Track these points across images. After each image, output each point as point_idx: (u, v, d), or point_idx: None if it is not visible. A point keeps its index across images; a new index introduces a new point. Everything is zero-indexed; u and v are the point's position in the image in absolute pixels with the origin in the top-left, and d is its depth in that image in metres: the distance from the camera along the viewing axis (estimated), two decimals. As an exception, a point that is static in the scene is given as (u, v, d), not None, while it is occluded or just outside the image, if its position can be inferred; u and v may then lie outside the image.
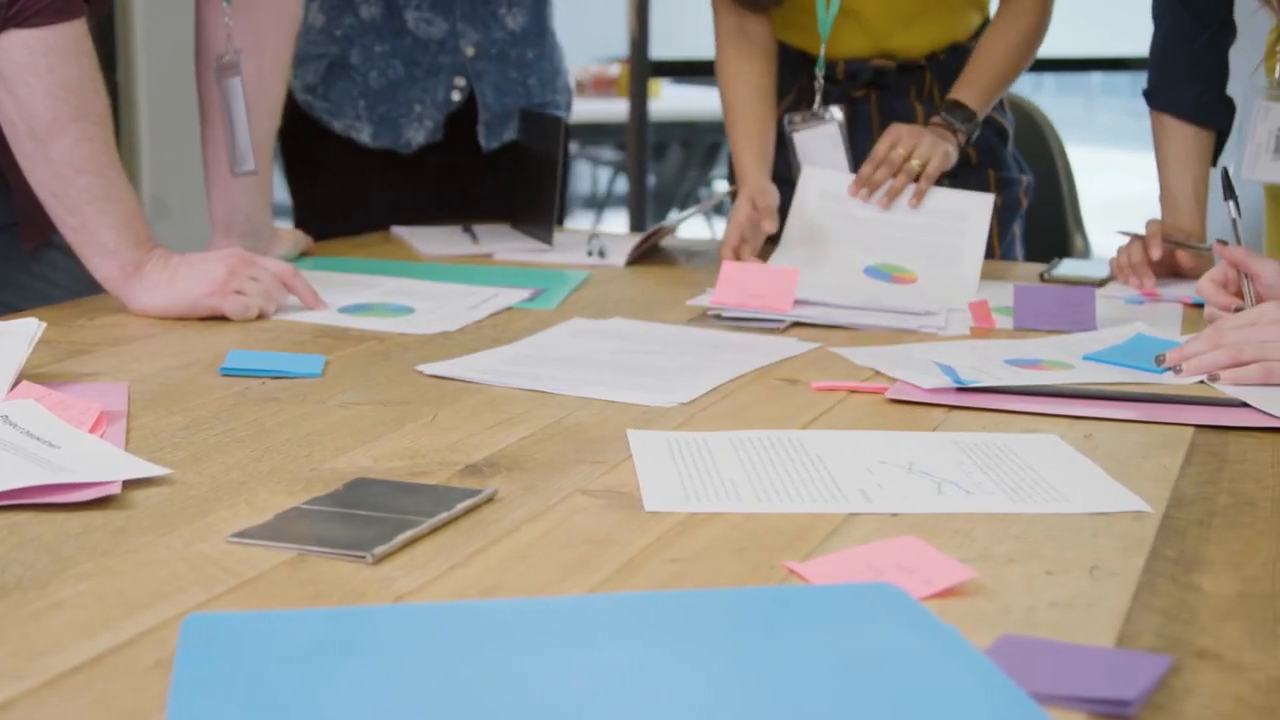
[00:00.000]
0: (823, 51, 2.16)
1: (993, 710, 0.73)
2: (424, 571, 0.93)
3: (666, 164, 7.02)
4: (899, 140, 2.05)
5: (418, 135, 2.33)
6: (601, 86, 6.95)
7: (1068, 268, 2.09)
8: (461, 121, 2.36)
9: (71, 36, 1.56)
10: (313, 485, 1.09)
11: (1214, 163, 2.07)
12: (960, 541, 1.00)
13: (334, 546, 0.95)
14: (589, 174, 8.40)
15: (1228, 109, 2.03)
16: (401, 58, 2.31)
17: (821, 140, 2.15)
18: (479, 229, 2.28)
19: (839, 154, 2.14)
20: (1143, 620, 0.86)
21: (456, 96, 2.33)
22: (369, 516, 1.01)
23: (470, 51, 2.32)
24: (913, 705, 0.74)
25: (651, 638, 0.80)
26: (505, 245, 2.18)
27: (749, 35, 2.17)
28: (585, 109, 6.91)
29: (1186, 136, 2.02)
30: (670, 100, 6.74)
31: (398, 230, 2.27)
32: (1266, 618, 0.87)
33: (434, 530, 1.00)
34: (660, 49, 4.82)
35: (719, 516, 1.04)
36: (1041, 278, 2.04)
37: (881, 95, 2.25)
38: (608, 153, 7.65)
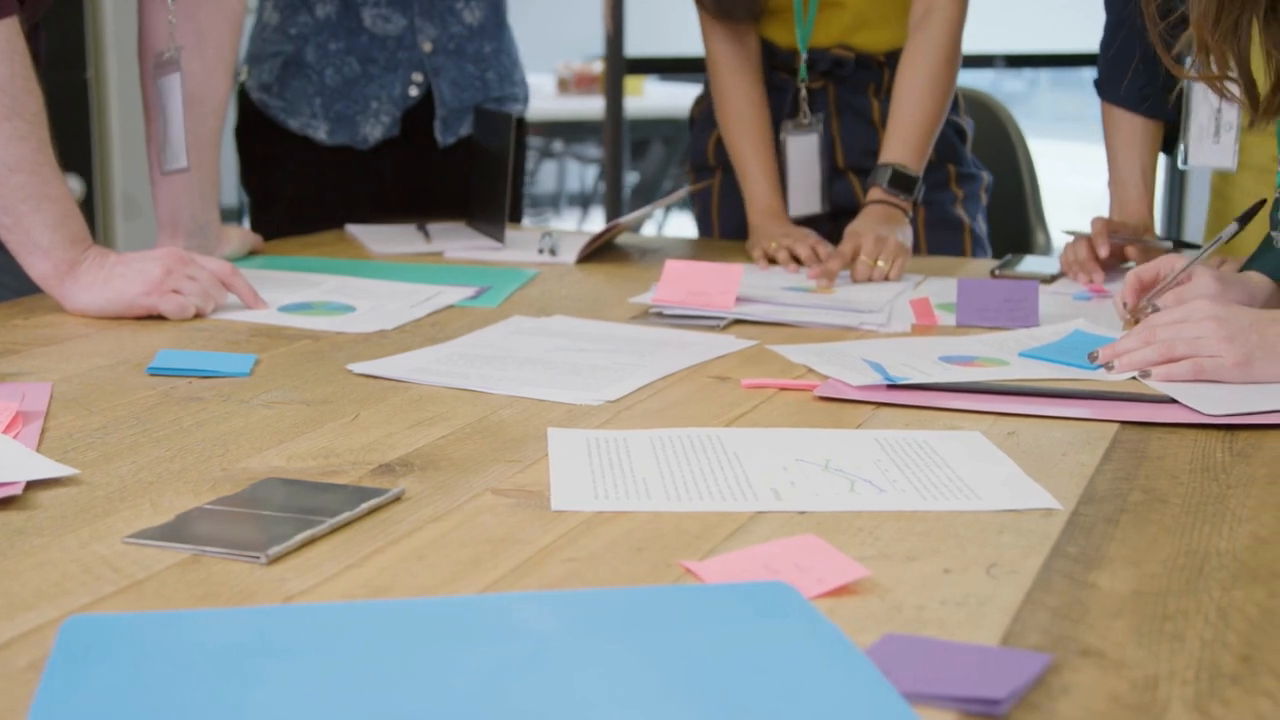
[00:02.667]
0: (803, 60, 2.18)
1: (862, 709, 0.73)
2: (318, 572, 0.92)
3: (649, 161, 7.02)
4: (863, 249, 1.98)
5: (375, 131, 2.33)
6: (584, 84, 6.95)
7: (1019, 264, 2.09)
8: (418, 117, 2.35)
9: (3, 35, 1.55)
10: (220, 485, 1.09)
11: (1168, 152, 2.07)
12: (863, 539, 0.99)
13: (229, 547, 0.95)
14: (577, 172, 8.41)
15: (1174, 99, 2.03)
16: (357, 55, 2.30)
17: (805, 148, 2.18)
18: (434, 227, 2.28)
19: (815, 166, 2.17)
20: (1032, 618, 0.86)
21: (414, 92, 2.33)
22: (270, 517, 1.01)
23: (428, 47, 2.32)
24: (783, 703, 0.73)
25: (528, 638, 0.80)
26: (457, 243, 2.17)
27: (743, 43, 2.19)
28: (568, 106, 6.94)
29: (1135, 126, 2.02)
30: (655, 97, 6.74)
31: (352, 229, 2.27)
32: (1155, 615, 0.86)
33: (334, 530, 0.99)
34: (640, 46, 4.81)
35: (625, 515, 1.04)
36: (992, 274, 2.03)
37: (839, 88, 2.25)
38: (592, 150, 7.65)
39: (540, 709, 0.72)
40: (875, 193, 2.10)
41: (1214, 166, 1.92)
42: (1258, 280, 1.61)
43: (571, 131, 7.29)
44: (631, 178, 7.05)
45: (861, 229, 2.03)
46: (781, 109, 2.23)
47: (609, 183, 4.73)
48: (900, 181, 2.09)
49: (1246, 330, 1.40)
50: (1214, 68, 1.44)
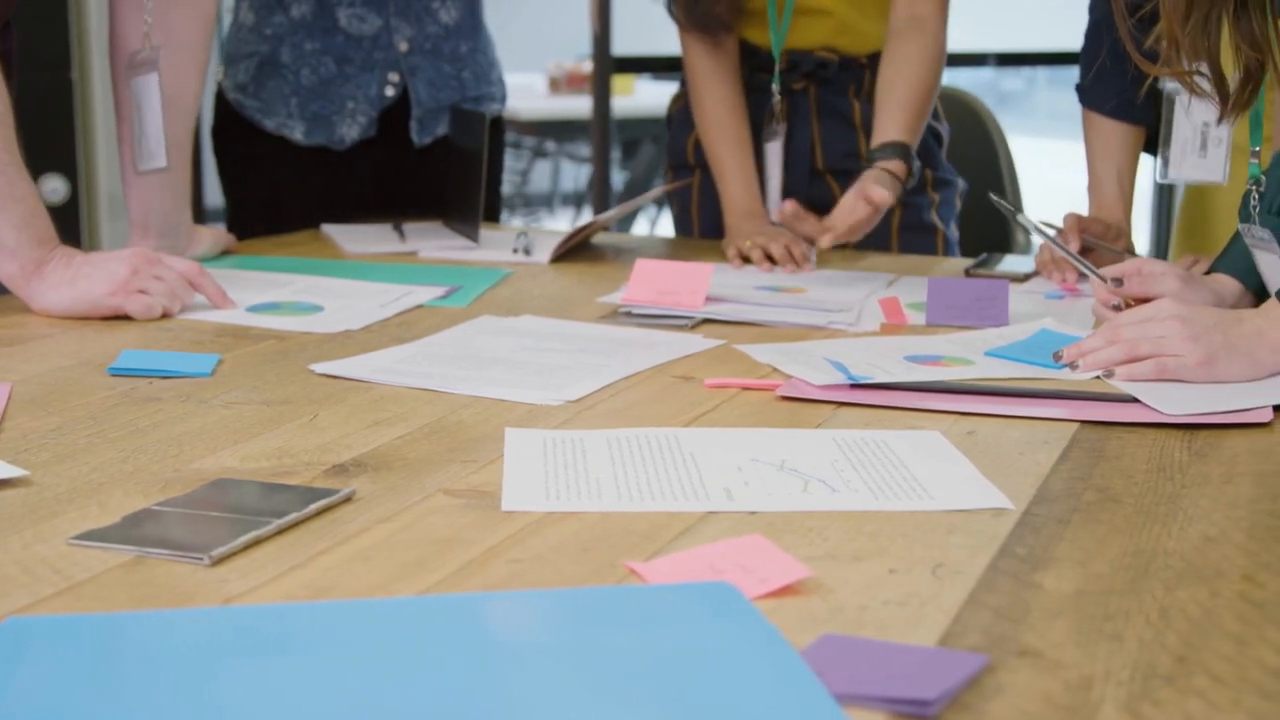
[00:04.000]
0: (777, 69, 2.18)
1: (793, 710, 0.73)
2: (261, 573, 0.92)
3: (639, 160, 7.01)
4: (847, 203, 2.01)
5: (351, 131, 2.33)
6: (575, 83, 6.95)
7: (994, 264, 2.09)
8: (395, 117, 2.35)
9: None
10: (171, 486, 1.08)
11: (1151, 153, 2.06)
12: (812, 540, 0.99)
13: (172, 548, 0.94)
14: (570, 171, 8.40)
15: (1156, 105, 2.02)
16: (333, 55, 2.30)
17: (773, 152, 2.18)
18: (409, 227, 2.27)
19: (778, 169, 2.18)
20: (973, 619, 0.86)
21: (390, 92, 2.33)
22: (217, 518, 1.00)
23: (404, 47, 2.31)
24: (714, 704, 0.73)
25: (459, 639, 0.80)
26: (431, 243, 2.17)
27: (720, 47, 2.20)
28: (559, 106, 6.93)
29: (1114, 131, 2.02)
30: (646, 96, 6.73)
31: (327, 228, 2.27)
32: (1097, 616, 0.86)
33: (281, 532, 0.99)
34: (630, 45, 4.80)
35: (574, 516, 1.03)
36: (966, 273, 2.03)
37: (821, 89, 2.25)
38: (584, 149, 7.64)
39: (466, 710, 0.72)
40: (877, 167, 2.05)
41: (1200, 181, 1.91)
42: (1225, 283, 1.61)
43: (563, 131, 7.28)
44: (623, 177, 7.05)
45: (856, 190, 2.02)
46: (761, 110, 2.22)
47: (597, 182, 4.72)
48: (897, 151, 2.05)
49: (1210, 330, 1.40)
50: (1184, 64, 1.44)
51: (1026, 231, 1.98)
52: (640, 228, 6.83)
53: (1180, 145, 1.90)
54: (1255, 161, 1.61)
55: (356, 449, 1.18)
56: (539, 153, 7.97)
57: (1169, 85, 1.95)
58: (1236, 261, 1.61)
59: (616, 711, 0.72)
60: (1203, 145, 1.89)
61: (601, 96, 4.66)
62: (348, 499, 1.06)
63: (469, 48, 2.38)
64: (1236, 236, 1.63)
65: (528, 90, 7.06)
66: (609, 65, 4.64)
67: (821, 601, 0.88)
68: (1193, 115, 1.88)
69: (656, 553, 0.96)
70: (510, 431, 1.23)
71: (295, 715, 0.72)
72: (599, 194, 4.70)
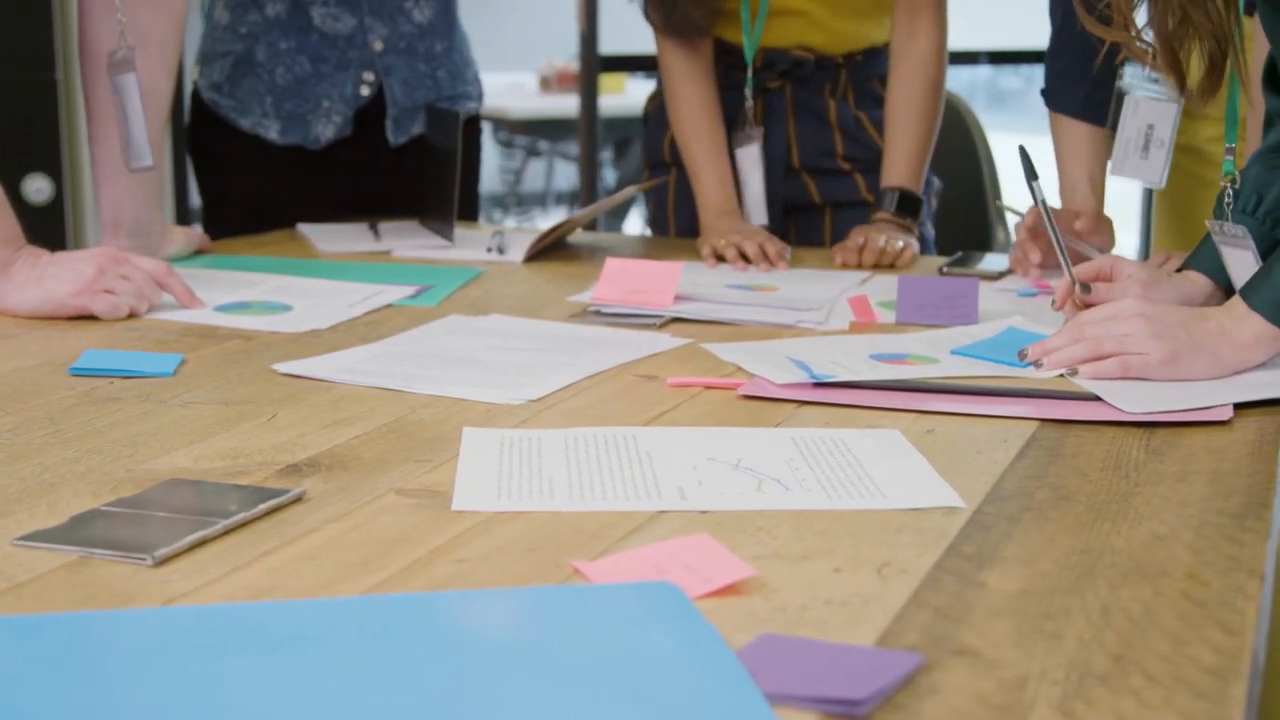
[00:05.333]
0: (749, 75, 2.18)
1: (723, 710, 0.73)
2: (204, 574, 0.92)
3: (630, 159, 7.01)
4: (870, 238, 2.08)
5: (326, 131, 2.32)
6: (566, 82, 6.94)
7: (970, 262, 2.08)
8: (370, 117, 2.35)
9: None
10: (122, 487, 1.08)
11: None
12: (760, 539, 0.99)
13: (117, 549, 0.94)
14: (564, 170, 8.39)
15: (1120, 107, 2.03)
16: (308, 54, 2.29)
17: (749, 157, 2.18)
18: (385, 226, 2.27)
19: (758, 174, 2.18)
20: (913, 618, 0.85)
21: (366, 91, 2.32)
22: (164, 518, 1.00)
23: (379, 46, 2.31)
24: (644, 703, 0.73)
25: (394, 639, 0.79)
26: (406, 242, 2.17)
27: (695, 48, 2.20)
28: (550, 105, 6.93)
29: (1081, 133, 2.02)
30: (636, 95, 6.73)
31: (302, 228, 2.26)
32: (1039, 615, 0.86)
33: (228, 532, 0.99)
34: (620, 44, 4.80)
35: (524, 515, 1.03)
36: (940, 271, 2.03)
37: (796, 88, 2.25)
38: (575, 148, 7.63)
39: (396, 709, 0.72)
40: (883, 215, 2.16)
41: (1140, 181, 1.91)
42: (1196, 279, 1.60)
43: (556, 130, 7.28)
44: (614, 176, 7.05)
45: (872, 229, 2.11)
46: (735, 108, 2.22)
47: (584, 180, 4.72)
48: (906, 204, 2.16)
49: (1174, 328, 1.40)
50: (1135, 32, 1.43)
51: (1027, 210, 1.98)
52: (633, 226, 6.82)
53: (1124, 145, 1.90)
54: (1230, 159, 1.61)
55: (312, 449, 1.18)
56: (532, 152, 7.96)
57: (1125, 81, 1.95)
58: (1208, 259, 1.61)
59: (543, 710, 0.72)
60: (1145, 146, 1.88)
61: (588, 95, 4.66)
62: (298, 499, 1.06)
63: (444, 47, 2.38)
64: (1209, 234, 1.63)
65: (519, 89, 7.06)
66: (596, 64, 4.65)
67: (764, 601, 0.88)
68: (1139, 115, 1.88)
69: (604, 552, 0.96)
70: (468, 431, 1.23)
71: (227, 715, 0.71)
72: (587, 193, 4.70)
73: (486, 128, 7.34)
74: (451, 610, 0.84)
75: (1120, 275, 1.55)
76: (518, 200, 8.36)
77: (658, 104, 2.33)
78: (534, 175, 8.42)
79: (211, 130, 2.34)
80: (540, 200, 8.48)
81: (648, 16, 2.20)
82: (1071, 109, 2.01)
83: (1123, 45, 1.43)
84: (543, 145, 7.85)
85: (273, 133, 2.32)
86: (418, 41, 2.34)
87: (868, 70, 2.27)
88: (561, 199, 8.38)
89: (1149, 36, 1.42)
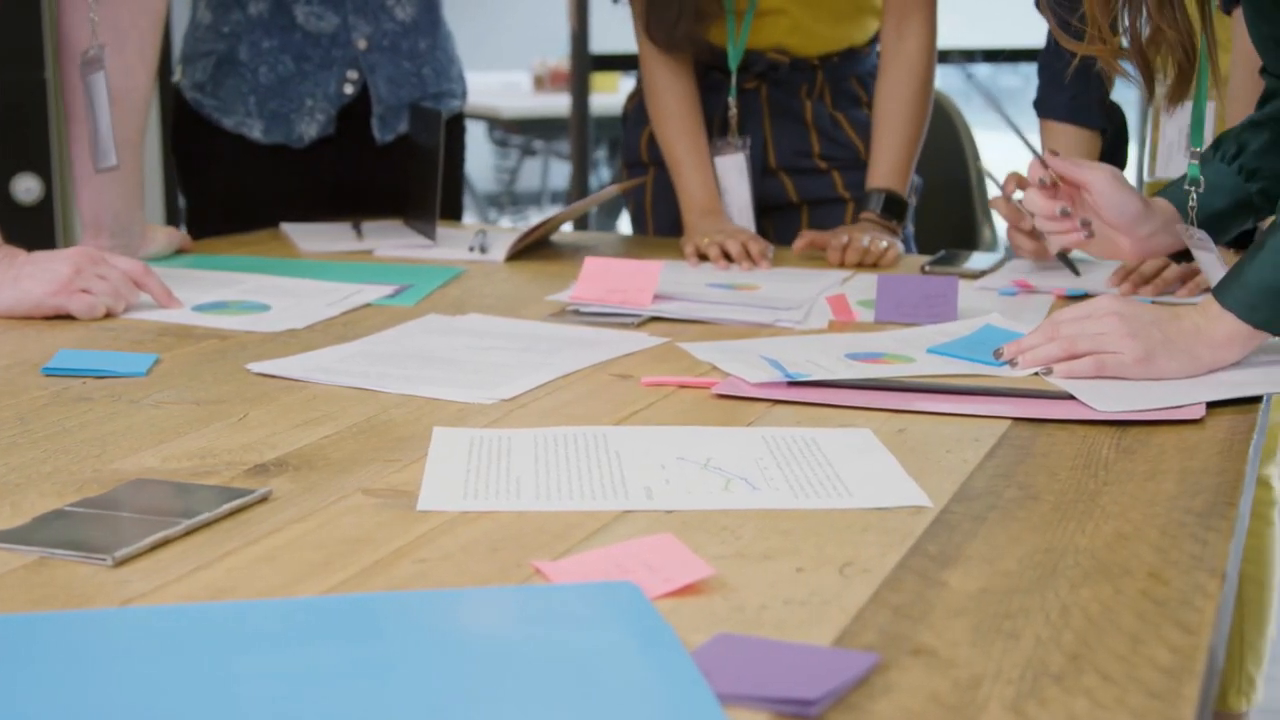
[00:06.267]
0: (733, 81, 2.18)
1: (674, 710, 0.72)
2: (164, 574, 0.92)
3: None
4: (853, 237, 2.08)
5: (310, 129, 2.32)
6: (559, 81, 6.93)
7: (952, 260, 2.08)
8: (354, 115, 2.34)
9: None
10: (88, 487, 1.08)
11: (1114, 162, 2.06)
12: (725, 538, 0.99)
13: (77, 549, 0.94)
14: (561, 169, 8.39)
15: (1110, 112, 2.03)
16: (291, 53, 2.29)
17: (731, 166, 2.19)
18: (368, 225, 2.27)
19: (744, 183, 2.18)
20: (873, 618, 0.85)
21: (349, 90, 2.32)
22: (127, 518, 1.00)
23: (362, 44, 2.31)
24: (597, 702, 0.73)
25: (353, 639, 0.79)
26: (388, 241, 2.16)
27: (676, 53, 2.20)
28: (545, 104, 6.92)
29: (1068, 137, 2.03)
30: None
31: (285, 227, 2.26)
32: (998, 614, 0.85)
33: (191, 532, 0.98)
34: (612, 42, 4.80)
35: (489, 515, 1.03)
36: (923, 269, 2.03)
37: (772, 89, 2.25)
38: (568, 147, 7.63)
39: (347, 709, 0.72)
40: (868, 215, 2.16)
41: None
42: (1160, 202, 1.63)
43: (551, 129, 7.27)
44: (608, 174, 7.04)
45: (856, 228, 2.11)
46: (713, 108, 2.22)
47: (575, 179, 4.72)
48: (892, 206, 2.16)
49: (1148, 327, 1.40)
50: (1105, 43, 1.43)
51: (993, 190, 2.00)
52: (626, 225, 6.81)
53: (1166, 148, 1.93)
54: (1195, 163, 1.61)
55: (281, 448, 1.18)
56: (528, 151, 7.96)
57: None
58: (1175, 195, 1.62)
59: (491, 710, 0.72)
60: (1186, 147, 1.89)
61: (580, 94, 4.66)
62: (263, 499, 1.05)
63: (427, 44, 2.37)
64: (1178, 180, 1.64)
65: (514, 89, 7.06)
66: (587, 63, 4.65)
67: (724, 600, 0.88)
68: (1177, 117, 1.90)
69: (567, 552, 0.96)
70: (438, 430, 1.23)
71: (175, 716, 0.71)
72: (578, 191, 4.70)
73: (481, 127, 7.32)
74: (406, 611, 0.84)
75: (1089, 185, 1.55)
76: (513, 199, 8.36)
77: (636, 103, 2.33)
78: (530, 174, 8.42)
79: (195, 130, 2.34)
80: (536, 199, 8.48)
81: (647, 32, 2.19)
82: (1057, 113, 2.02)
83: (1098, 58, 1.43)
84: (538, 144, 7.85)
85: (256, 132, 2.31)
86: (401, 39, 2.33)
87: (845, 71, 2.27)
88: (557, 198, 8.38)
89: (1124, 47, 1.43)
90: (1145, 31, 1.41)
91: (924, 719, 0.73)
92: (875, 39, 2.30)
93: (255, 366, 1.43)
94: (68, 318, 1.63)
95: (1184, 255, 1.68)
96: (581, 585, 0.89)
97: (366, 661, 0.77)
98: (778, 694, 0.74)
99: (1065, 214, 1.56)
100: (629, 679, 0.76)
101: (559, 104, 6.73)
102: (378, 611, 0.83)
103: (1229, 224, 1.62)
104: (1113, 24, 1.41)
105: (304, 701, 0.73)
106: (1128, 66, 1.42)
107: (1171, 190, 1.63)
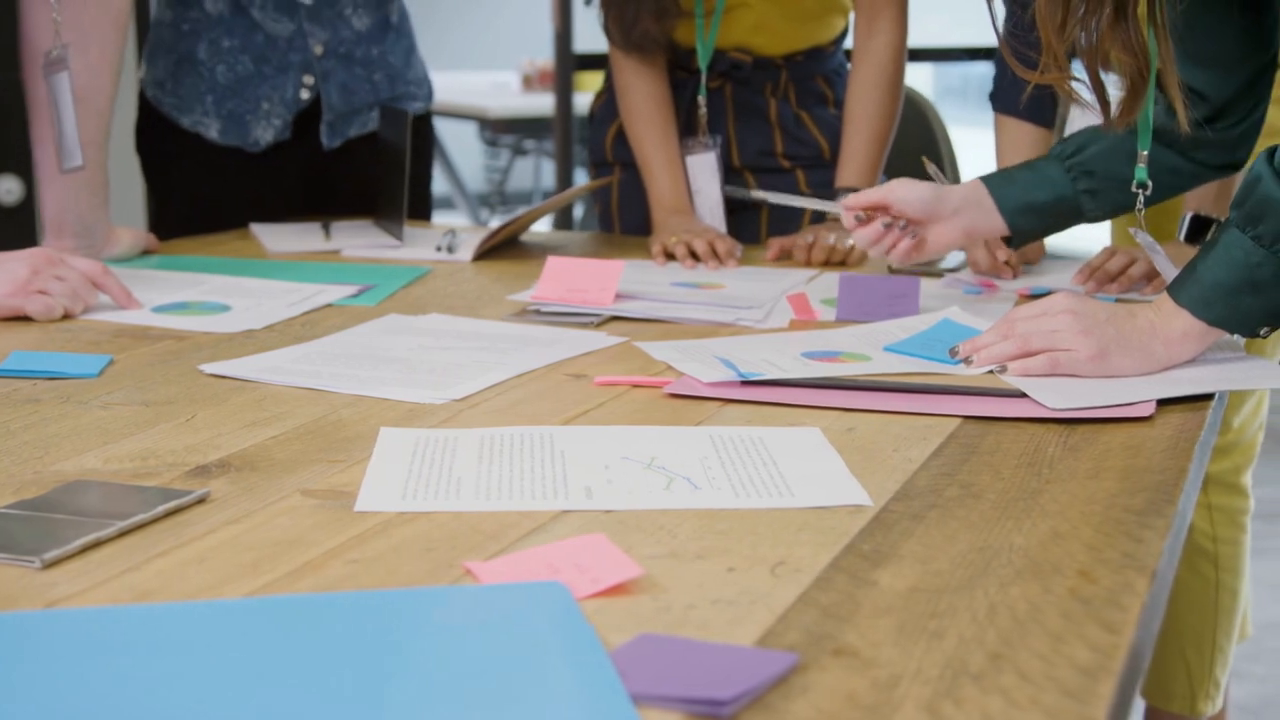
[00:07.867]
0: (703, 80, 2.18)
1: (586, 710, 0.72)
2: (91, 576, 0.91)
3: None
4: (819, 235, 2.08)
5: (266, 134, 2.29)
6: (547, 81, 6.92)
7: (934, 261, 2.08)
8: (312, 118, 2.32)
9: None
10: (27, 489, 1.07)
11: None
12: (660, 538, 0.98)
13: (6, 551, 0.93)
14: (551, 169, 8.39)
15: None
16: (251, 54, 2.27)
17: (703, 166, 2.18)
18: (336, 225, 2.26)
19: (714, 183, 2.17)
20: (798, 618, 0.85)
21: (305, 95, 2.30)
22: (61, 520, 0.99)
23: (319, 50, 2.29)
24: (510, 702, 0.72)
25: (271, 642, 0.79)
26: (356, 241, 2.16)
27: (650, 51, 2.19)
28: (533, 103, 6.91)
29: (1022, 132, 2.03)
30: (618, 94, 6.71)
31: (255, 227, 2.25)
32: (924, 614, 0.85)
33: (124, 534, 0.98)
34: (593, 42, 4.80)
35: (426, 515, 1.02)
36: (890, 268, 2.02)
37: (736, 88, 2.24)
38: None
39: (259, 712, 0.71)
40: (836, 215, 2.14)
41: None
42: (955, 187, 1.72)
43: (539, 128, 7.27)
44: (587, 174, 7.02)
45: (823, 227, 2.11)
46: (681, 107, 2.22)
47: (559, 178, 4.72)
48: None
49: (1103, 324, 1.39)
50: (1060, 70, 1.43)
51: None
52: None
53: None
54: (1142, 165, 1.61)
55: (225, 449, 1.18)
56: (518, 150, 7.96)
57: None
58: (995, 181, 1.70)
59: (404, 711, 0.71)
60: None
61: (563, 93, 4.66)
62: (201, 500, 1.05)
63: (379, 51, 2.35)
64: (1017, 169, 1.71)
65: (502, 89, 7.05)
66: (571, 63, 4.64)
67: (651, 600, 0.88)
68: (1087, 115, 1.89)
69: (500, 552, 0.96)
70: (385, 431, 1.23)
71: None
72: (562, 189, 4.69)
73: (471, 127, 7.27)
74: (326, 612, 0.83)
75: (876, 190, 1.67)
76: (503, 199, 8.36)
77: (602, 102, 2.33)
78: (521, 174, 8.42)
79: (157, 128, 2.32)
80: (527, 198, 8.48)
81: (608, 33, 2.19)
82: (1011, 109, 2.02)
83: (1054, 84, 1.43)
84: (529, 144, 7.84)
85: (212, 131, 2.29)
86: (355, 47, 2.31)
87: (809, 69, 2.27)
88: (548, 197, 8.38)
89: (1078, 72, 1.43)
90: (1099, 51, 1.41)
91: (839, 719, 0.73)
92: (841, 37, 2.30)
93: (207, 367, 1.43)
94: (25, 319, 1.63)
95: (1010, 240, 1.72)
96: (508, 586, 0.89)
97: (281, 664, 0.76)
98: (692, 694, 0.73)
99: (887, 226, 1.69)
100: (546, 679, 0.76)
101: (547, 104, 6.73)
102: (298, 613, 0.83)
103: (1046, 219, 1.69)
104: (1070, 51, 1.41)
105: (208, 702, 0.72)
106: (1082, 91, 1.42)
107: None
